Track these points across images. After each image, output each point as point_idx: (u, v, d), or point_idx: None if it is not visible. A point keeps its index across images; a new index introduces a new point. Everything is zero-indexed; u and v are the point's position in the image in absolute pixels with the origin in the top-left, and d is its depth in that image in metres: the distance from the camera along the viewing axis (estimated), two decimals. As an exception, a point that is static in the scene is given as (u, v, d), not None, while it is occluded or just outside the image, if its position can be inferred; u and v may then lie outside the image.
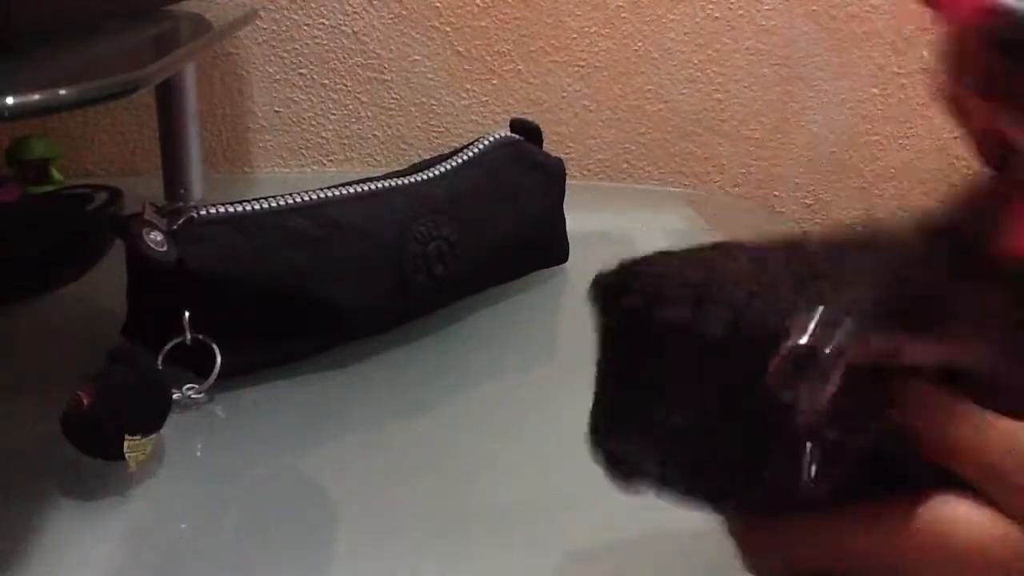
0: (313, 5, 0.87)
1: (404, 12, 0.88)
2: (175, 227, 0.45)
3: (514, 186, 0.59)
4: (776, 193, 0.98)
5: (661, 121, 0.94)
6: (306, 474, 0.42)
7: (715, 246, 0.28)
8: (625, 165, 0.95)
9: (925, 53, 0.93)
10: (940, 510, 0.25)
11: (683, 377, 0.25)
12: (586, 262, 0.65)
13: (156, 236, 0.44)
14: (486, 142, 0.60)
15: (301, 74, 0.88)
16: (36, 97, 0.30)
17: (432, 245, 0.52)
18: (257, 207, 0.48)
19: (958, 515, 0.24)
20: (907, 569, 0.25)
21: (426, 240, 0.52)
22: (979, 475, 0.25)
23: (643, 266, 0.27)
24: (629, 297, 0.26)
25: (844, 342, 0.23)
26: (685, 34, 0.91)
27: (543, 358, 0.55)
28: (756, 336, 0.24)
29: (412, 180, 0.54)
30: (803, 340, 0.23)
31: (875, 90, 0.94)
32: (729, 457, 0.25)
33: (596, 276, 0.28)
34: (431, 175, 0.55)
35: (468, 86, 0.90)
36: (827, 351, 0.23)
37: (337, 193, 0.51)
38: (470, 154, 0.58)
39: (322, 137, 0.90)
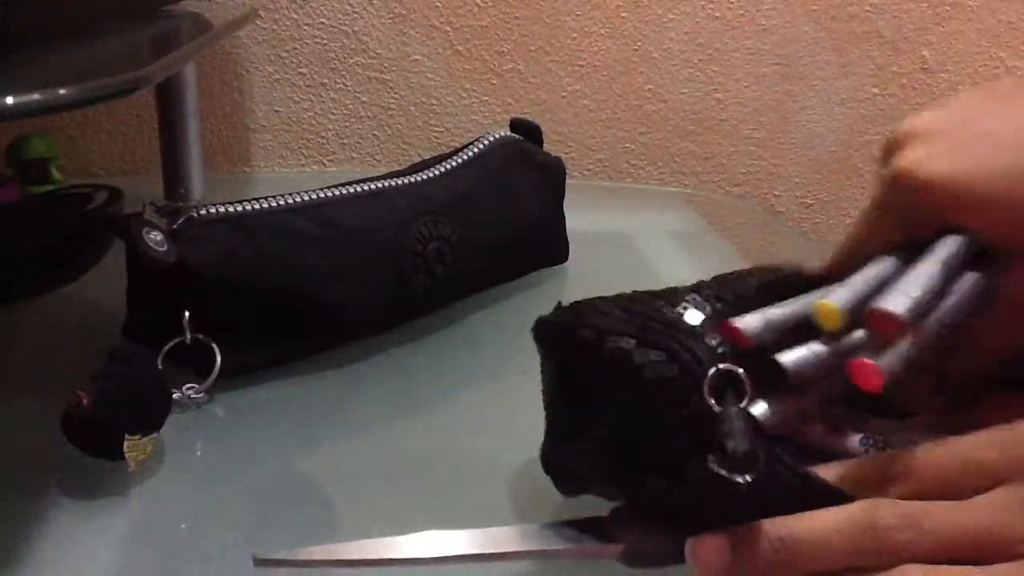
0: (313, 5, 0.87)
1: (404, 12, 0.88)
2: (175, 227, 0.45)
3: (514, 186, 0.59)
4: (776, 193, 0.98)
5: (661, 121, 0.94)
6: (306, 474, 0.42)
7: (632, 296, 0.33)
8: (625, 165, 0.95)
9: (926, 53, 0.93)
10: None
11: (618, 398, 0.30)
12: (586, 262, 0.65)
13: (156, 236, 0.44)
14: (486, 142, 0.60)
15: (301, 74, 0.88)
16: (36, 97, 0.30)
17: (432, 245, 0.52)
18: (257, 207, 0.48)
19: None
20: None
21: (426, 240, 0.52)
22: None
23: (585, 308, 0.33)
24: (583, 330, 0.31)
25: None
26: (685, 34, 0.91)
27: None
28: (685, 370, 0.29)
29: (412, 180, 0.54)
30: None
31: (875, 90, 0.94)
32: (652, 462, 0.29)
33: (539, 318, 0.33)
34: (431, 175, 0.55)
35: (468, 86, 0.90)
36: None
37: (337, 193, 0.51)
38: (470, 154, 0.58)
39: (322, 137, 0.90)
